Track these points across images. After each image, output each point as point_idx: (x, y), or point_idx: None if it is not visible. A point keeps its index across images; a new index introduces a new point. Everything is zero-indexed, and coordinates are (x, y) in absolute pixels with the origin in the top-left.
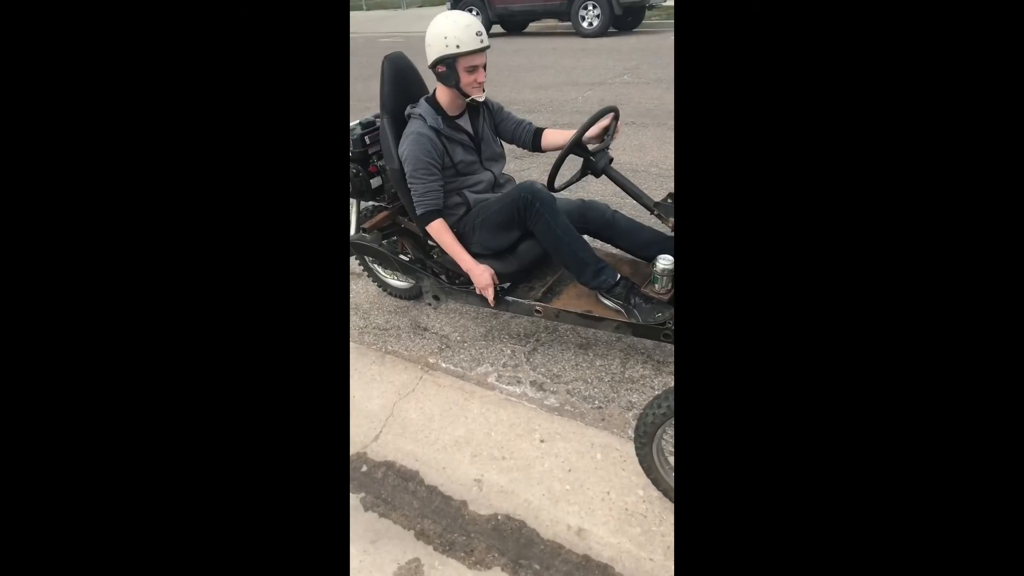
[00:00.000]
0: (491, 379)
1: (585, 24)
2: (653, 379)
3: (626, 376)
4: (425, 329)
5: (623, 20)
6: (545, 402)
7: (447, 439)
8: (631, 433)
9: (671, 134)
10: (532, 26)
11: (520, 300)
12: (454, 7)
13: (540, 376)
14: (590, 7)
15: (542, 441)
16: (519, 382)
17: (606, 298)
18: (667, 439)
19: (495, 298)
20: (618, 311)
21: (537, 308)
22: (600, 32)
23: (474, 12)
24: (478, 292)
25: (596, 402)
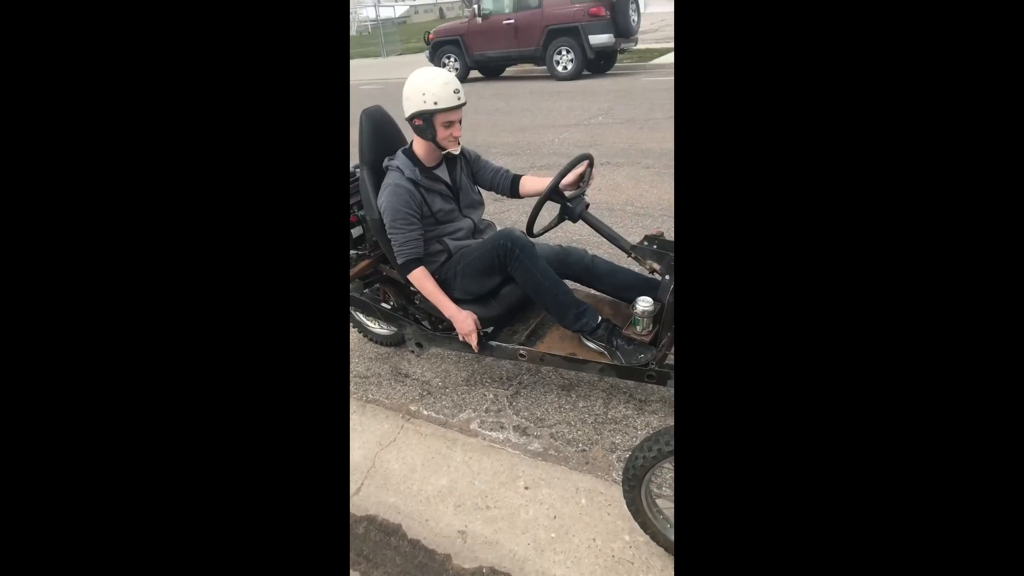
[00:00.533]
0: (474, 425)
1: (559, 68)
2: (635, 419)
3: (609, 417)
4: (406, 376)
5: (595, 64)
6: (529, 447)
7: (430, 490)
8: (615, 476)
9: (645, 173)
10: (509, 70)
11: (504, 345)
12: (432, 55)
13: (523, 420)
14: (564, 52)
15: (526, 488)
16: (502, 427)
17: (589, 340)
18: (656, 481)
19: (479, 343)
20: (601, 353)
21: (521, 352)
22: (574, 75)
23: (452, 59)
24: (461, 338)
25: (580, 445)
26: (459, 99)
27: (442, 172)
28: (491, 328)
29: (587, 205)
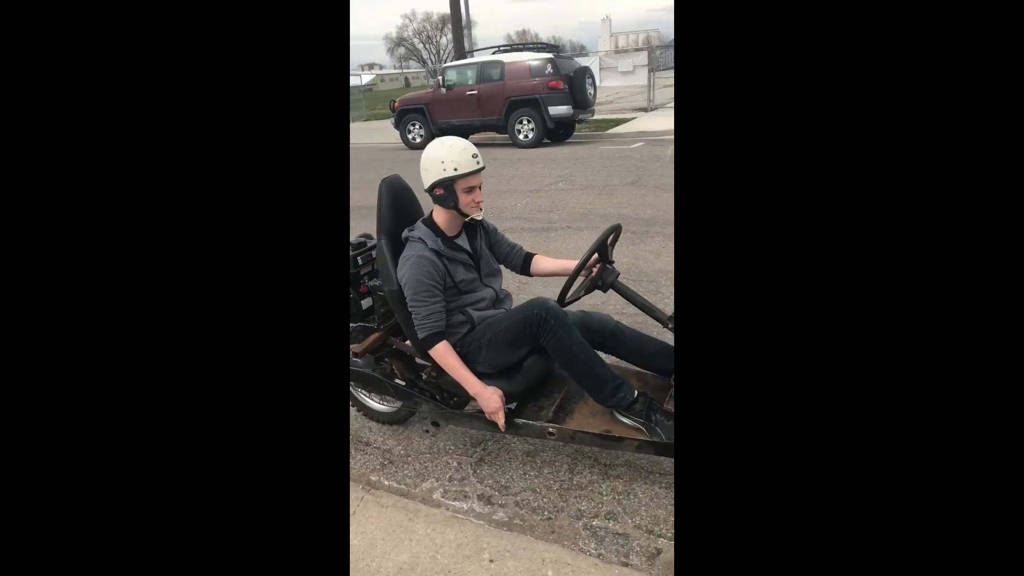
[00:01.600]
0: (436, 495)
1: (521, 136)
2: (601, 484)
3: (574, 483)
4: (367, 444)
5: (555, 132)
6: (493, 516)
7: (390, 567)
8: (582, 545)
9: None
10: (472, 138)
11: (531, 423)
12: (398, 122)
13: (488, 489)
14: (525, 121)
15: (491, 561)
16: (466, 497)
17: (624, 416)
18: None
19: (504, 422)
20: (638, 429)
21: (550, 430)
22: (535, 143)
23: (417, 126)
24: (488, 417)
25: (546, 513)
26: (478, 163)
27: (463, 242)
28: (515, 404)
29: (618, 275)
